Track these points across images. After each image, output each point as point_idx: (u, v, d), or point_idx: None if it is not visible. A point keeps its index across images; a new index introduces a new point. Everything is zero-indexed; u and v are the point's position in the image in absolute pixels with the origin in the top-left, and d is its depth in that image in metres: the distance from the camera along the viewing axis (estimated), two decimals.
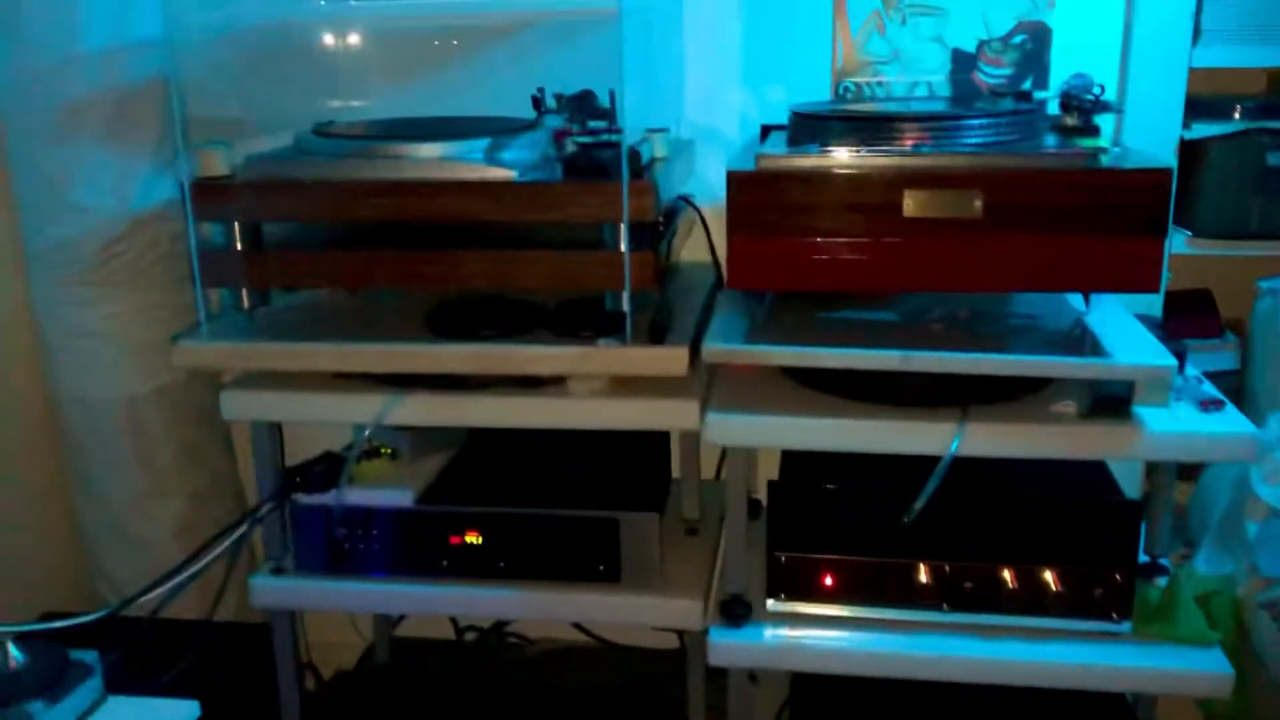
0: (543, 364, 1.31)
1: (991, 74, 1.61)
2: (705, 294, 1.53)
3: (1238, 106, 1.59)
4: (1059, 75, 1.59)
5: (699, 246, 1.59)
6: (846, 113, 1.34)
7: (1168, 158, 1.56)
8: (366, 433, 1.38)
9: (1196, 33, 1.55)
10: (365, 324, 1.43)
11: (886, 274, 1.20)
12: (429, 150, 1.32)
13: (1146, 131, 1.56)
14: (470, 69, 1.72)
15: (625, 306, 1.28)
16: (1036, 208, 1.16)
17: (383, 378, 1.36)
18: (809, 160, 1.21)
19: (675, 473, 1.62)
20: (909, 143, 1.23)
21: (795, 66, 1.66)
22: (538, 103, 1.49)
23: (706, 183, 1.62)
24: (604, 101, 1.38)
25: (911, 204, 1.17)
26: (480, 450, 1.55)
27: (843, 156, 1.21)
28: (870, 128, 1.25)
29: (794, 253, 1.21)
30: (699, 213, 1.57)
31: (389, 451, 1.46)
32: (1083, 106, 1.33)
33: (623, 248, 1.27)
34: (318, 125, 1.52)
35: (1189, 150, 1.58)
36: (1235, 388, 1.70)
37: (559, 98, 1.43)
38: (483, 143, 1.34)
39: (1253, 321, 1.70)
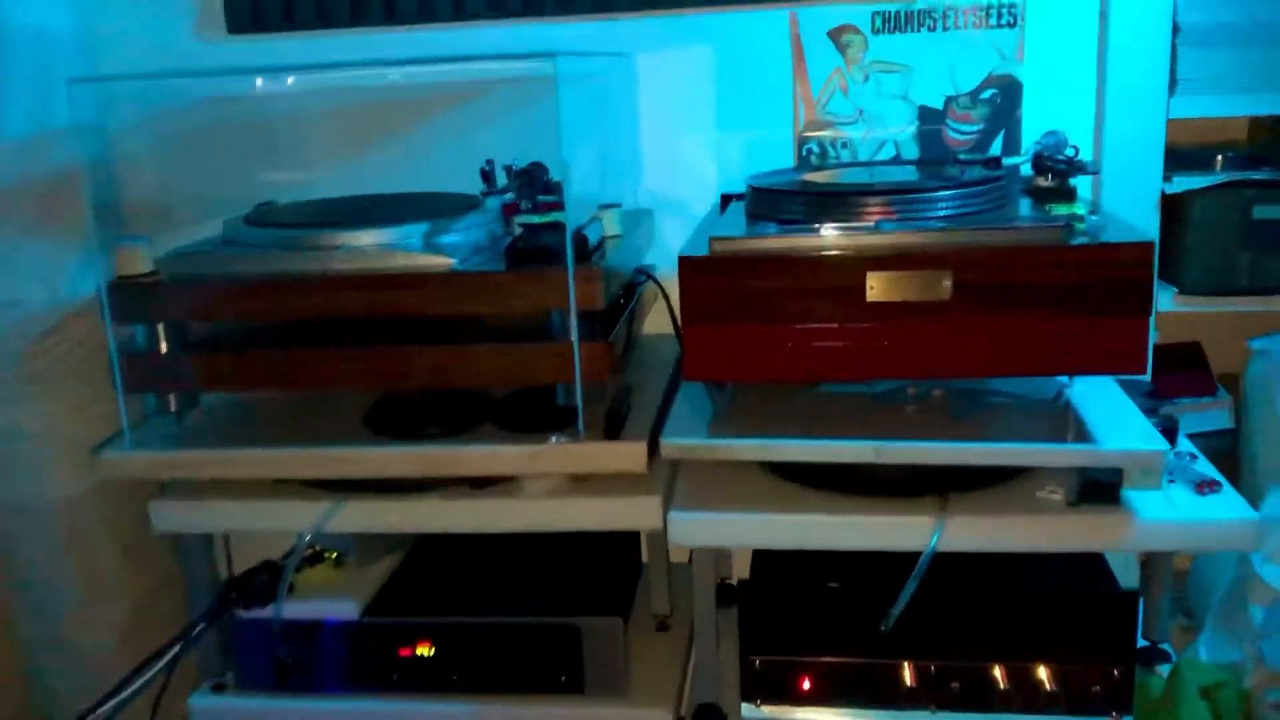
0: (490, 465, 1.22)
1: (961, 130, 1.54)
2: (670, 371, 1.44)
3: (1219, 157, 1.52)
4: (1031, 129, 1.52)
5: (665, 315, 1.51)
6: (804, 187, 1.26)
7: (1149, 214, 1.49)
8: (305, 539, 1.28)
9: (1173, 82, 1.48)
10: (301, 424, 1.34)
11: (853, 363, 1.12)
12: (363, 238, 1.25)
13: (1126, 185, 1.49)
14: (417, 140, 1.64)
15: (577, 402, 1.20)
16: (1009, 287, 1.08)
17: (324, 481, 1.28)
18: (765, 242, 1.13)
19: (646, 556, 1.53)
20: (872, 218, 1.15)
21: (758, 127, 1.58)
22: (487, 176, 1.42)
23: (669, 252, 1.54)
24: (556, 174, 1.30)
25: (876, 287, 1.09)
26: (429, 551, 1.45)
27: (801, 238, 1.13)
28: (830, 203, 1.18)
29: (753, 341, 1.13)
30: (660, 286, 1.49)
31: (333, 556, 1.37)
32: (1056, 169, 1.25)
33: (572, 338, 1.19)
34: (257, 205, 1.44)
35: (1171, 204, 1.50)
36: (1231, 448, 1.62)
37: (509, 170, 1.35)
38: (421, 227, 1.27)
39: (1245, 384, 1.61)
